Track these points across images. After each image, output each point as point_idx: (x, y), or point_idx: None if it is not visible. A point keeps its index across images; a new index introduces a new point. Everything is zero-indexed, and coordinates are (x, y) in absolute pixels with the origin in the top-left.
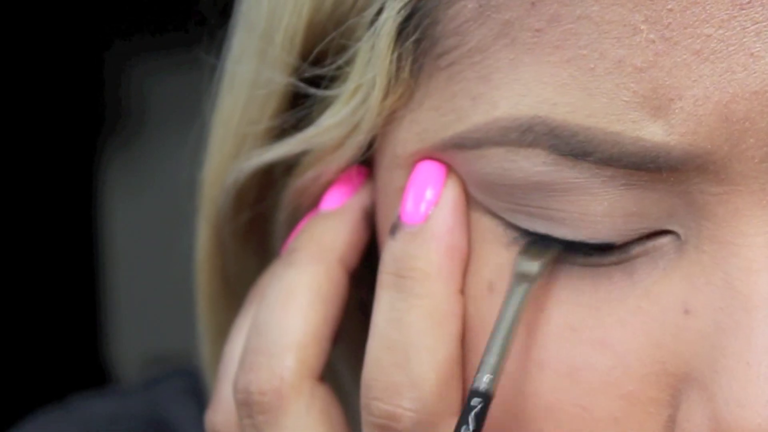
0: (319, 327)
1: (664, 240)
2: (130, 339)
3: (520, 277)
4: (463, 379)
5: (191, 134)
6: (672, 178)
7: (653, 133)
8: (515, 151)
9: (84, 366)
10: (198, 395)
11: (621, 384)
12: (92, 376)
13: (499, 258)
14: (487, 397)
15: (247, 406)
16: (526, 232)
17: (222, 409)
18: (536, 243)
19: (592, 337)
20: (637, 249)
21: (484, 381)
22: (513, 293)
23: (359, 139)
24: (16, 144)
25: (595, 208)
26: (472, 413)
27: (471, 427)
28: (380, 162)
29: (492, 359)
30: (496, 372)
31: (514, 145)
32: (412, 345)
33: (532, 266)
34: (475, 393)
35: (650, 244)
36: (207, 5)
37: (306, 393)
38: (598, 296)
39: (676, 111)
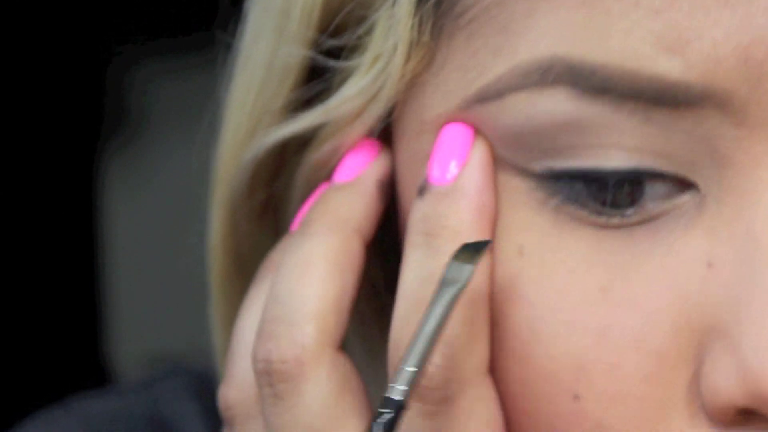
0: (338, 296)
1: (685, 198)
2: (131, 339)
3: (449, 282)
4: (490, 340)
5: (192, 135)
6: (691, 118)
7: (670, 70)
8: (538, 93)
9: (84, 366)
10: (198, 393)
11: (650, 340)
12: (92, 375)
13: (529, 221)
14: (399, 408)
15: (268, 374)
16: (555, 190)
17: (236, 384)
18: (468, 248)
19: (621, 297)
20: (658, 208)
21: (399, 390)
22: (439, 299)
23: (379, 107)
24: (17, 144)
25: (625, 142)
26: (381, 422)
27: None
28: (403, 130)
29: (410, 369)
30: (412, 384)
31: (536, 86)
32: None
33: (462, 271)
34: (388, 402)
35: (671, 203)
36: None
37: (327, 361)
38: (625, 256)
39: (694, 51)
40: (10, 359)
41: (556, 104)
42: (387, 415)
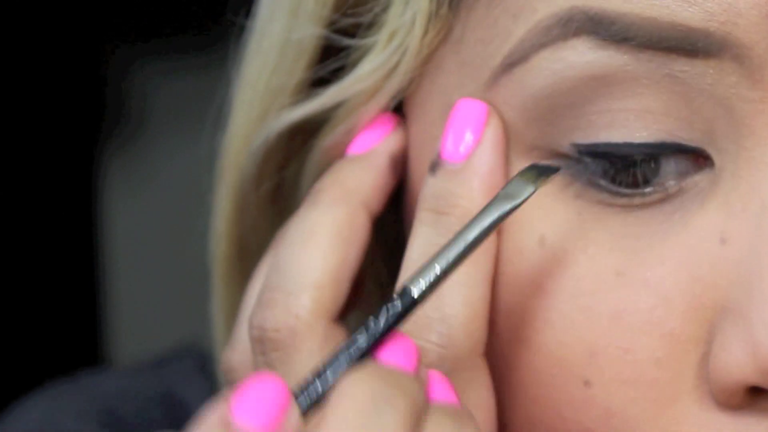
0: (338, 268)
1: (701, 175)
2: (130, 339)
3: (505, 197)
4: (493, 323)
5: (192, 135)
6: (710, 74)
7: (689, 18)
8: (561, 47)
9: (84, 365)
10: (207, 373)
11: (663, 323)
12: None
13: (551, 210)
14: (412, 303)
15: (261, 342)
16: (577, 172)
17: (240, 349)
18: (535, 169)
19: (636, 279)
20: (676, 186)
21: (419, 286)
22: (489, 210)
23: (396, 82)
24: (17, 144)
25: (650, 104)
26: (389, 309)
27: (380, 324)
28: (422, 108)
29: (436, 271)
30: (433, 287)
31: (558, 40)
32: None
33: (522, 189)
34: (403, 294)
35: (689, 180)
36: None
37: (320, 333)
38: (644, 239)
39: (715, 1)
40: (10, 359)
41: (579, 55)
42: (399, 303)
